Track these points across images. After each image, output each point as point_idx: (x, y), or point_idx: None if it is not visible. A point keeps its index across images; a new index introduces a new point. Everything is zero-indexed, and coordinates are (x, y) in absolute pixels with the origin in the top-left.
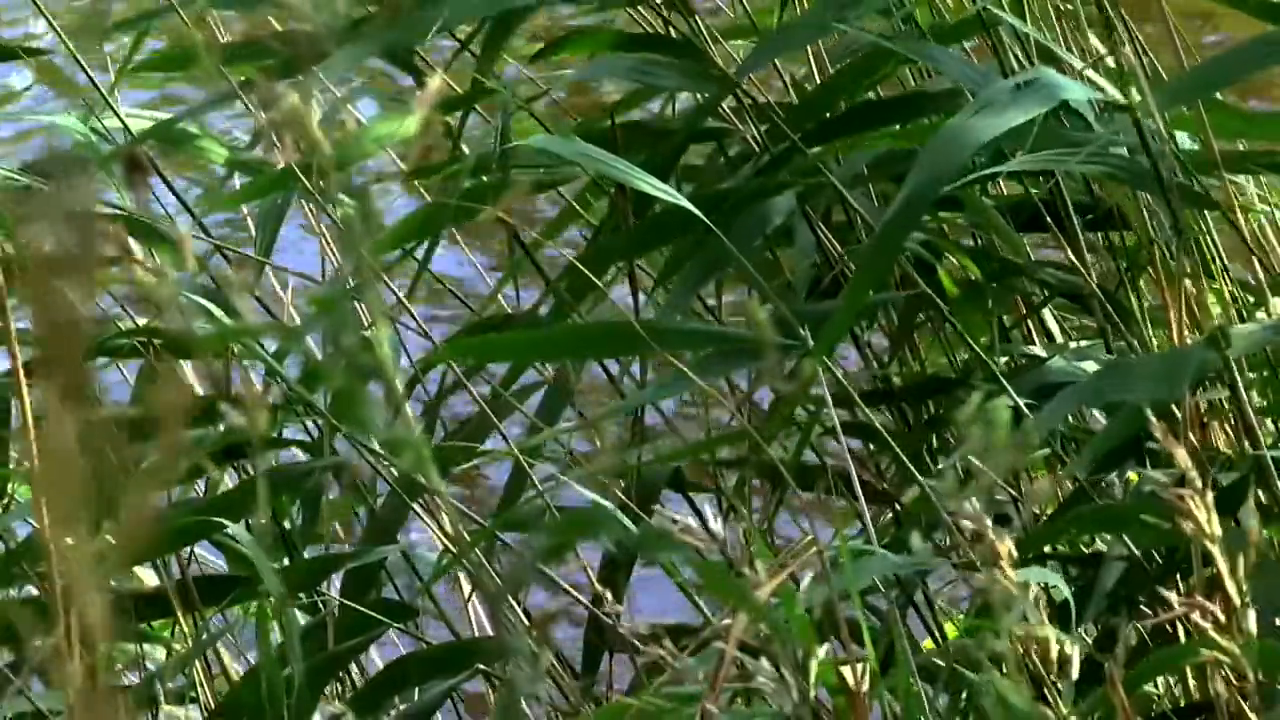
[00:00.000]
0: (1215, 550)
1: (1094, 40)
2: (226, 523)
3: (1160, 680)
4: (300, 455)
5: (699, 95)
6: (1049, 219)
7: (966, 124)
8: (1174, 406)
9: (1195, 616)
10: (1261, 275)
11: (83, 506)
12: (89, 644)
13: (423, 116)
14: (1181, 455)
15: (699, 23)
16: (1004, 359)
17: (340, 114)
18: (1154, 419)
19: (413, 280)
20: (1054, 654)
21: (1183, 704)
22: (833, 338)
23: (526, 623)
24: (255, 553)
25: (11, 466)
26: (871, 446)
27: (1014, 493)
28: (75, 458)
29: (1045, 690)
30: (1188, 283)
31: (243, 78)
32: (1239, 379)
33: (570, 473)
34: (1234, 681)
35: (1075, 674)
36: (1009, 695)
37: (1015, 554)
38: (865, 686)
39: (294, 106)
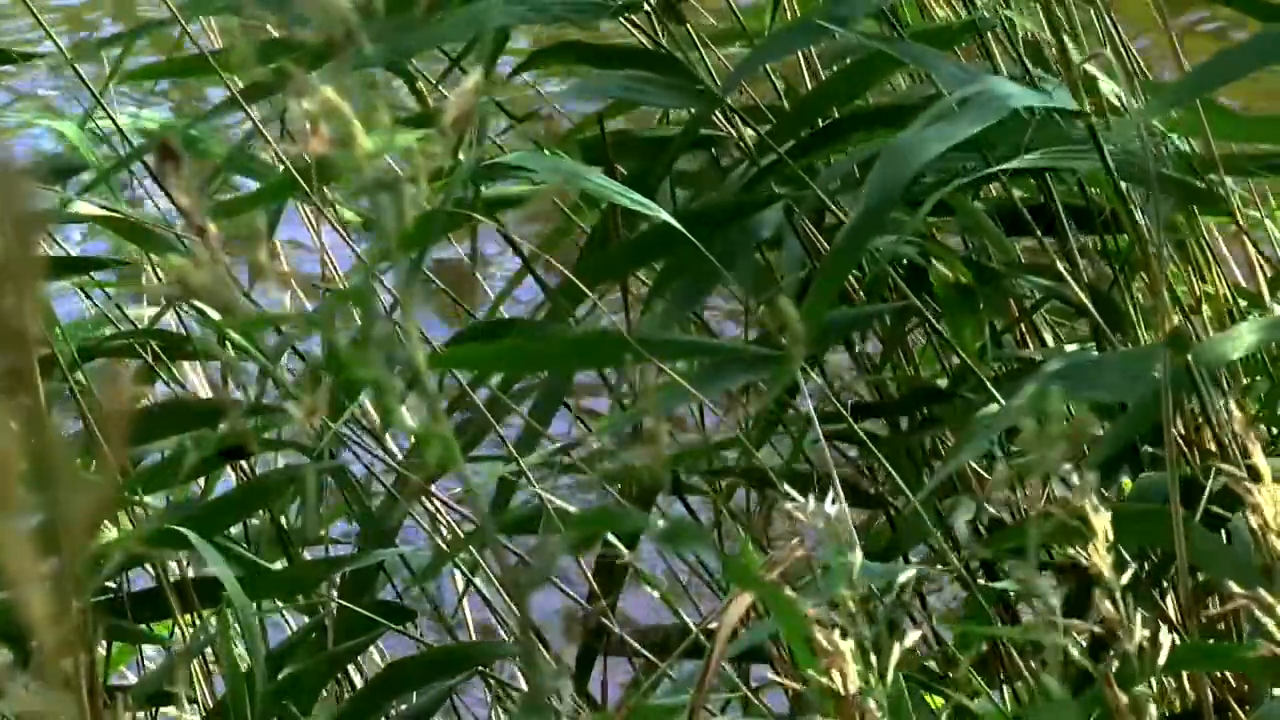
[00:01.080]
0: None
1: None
2: (189, 534)
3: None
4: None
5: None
6: (1040, 222)
7: (916, 138)
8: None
9: (1257, 611)
10: (1262, 279)
11: (21, 511)
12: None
13: (452, 120)
14: (1256, 448)
15: (690, 31)
16: (996, 364)
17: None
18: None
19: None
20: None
21: (1177, 709)
22: (799, 353)
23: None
24: (218, 563)
25: None
26: (863, 453)
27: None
28: (14, 462)
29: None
30: (1180, 284)
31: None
32: (1202, 381)
33: (566, 475)
34: (1234, 684)
35: (1162, 659)
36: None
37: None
38: (854, 690)
39: (329, 98)
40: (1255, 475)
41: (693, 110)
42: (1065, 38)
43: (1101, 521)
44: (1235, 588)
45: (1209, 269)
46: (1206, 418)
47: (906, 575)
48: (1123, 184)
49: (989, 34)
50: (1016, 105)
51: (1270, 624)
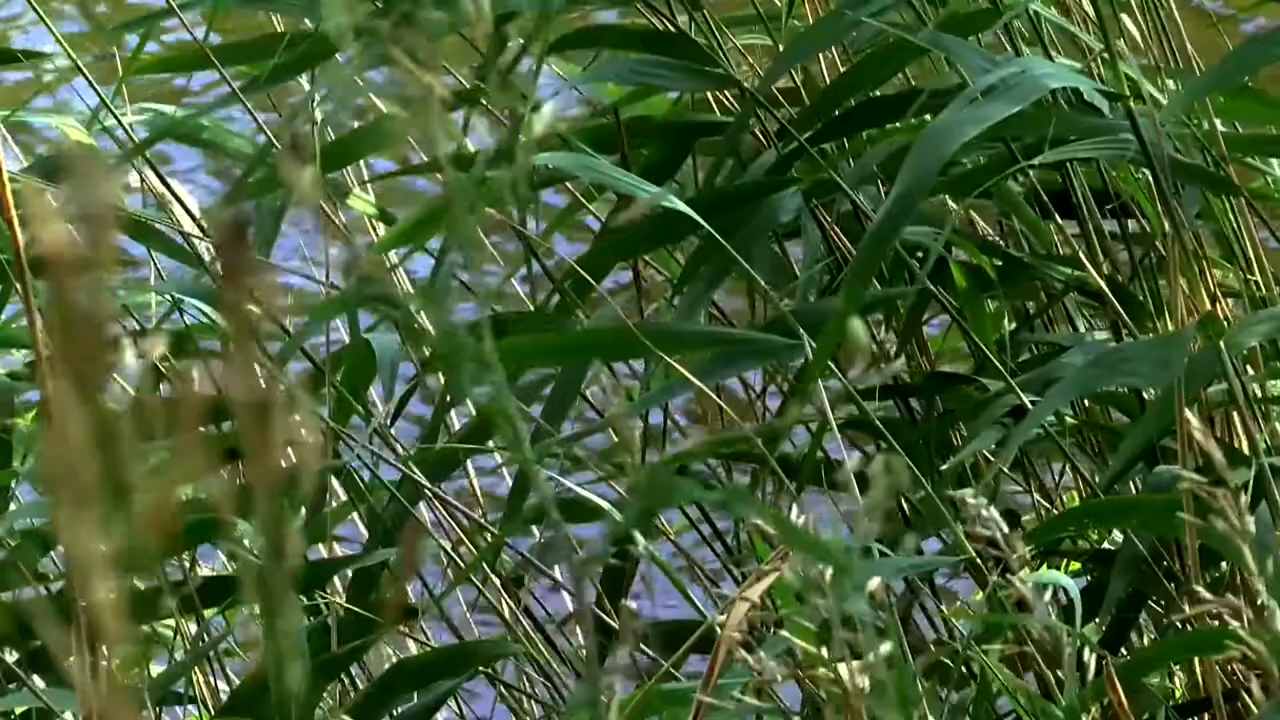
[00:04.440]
0: (1245, 549)
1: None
2: (239, 520)
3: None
4: None
5: (711, 95)
6: (1061, 209)
7: (952, 121)
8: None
9: (1225, 613)
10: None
11: (93, 501)
12: (98, 641)
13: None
14: (1217, 453)
15: (708, 17)
16: (1025, 347)
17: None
18: (1192, 418)
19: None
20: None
21: (1178, 699)
22: (833, 342)
23: (529, 624)
24: (266, 550)
25: (15, 467)
26: (880, 445)
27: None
28: (86, 452)
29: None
30: (1199, 272)
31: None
32: (1231, 367)
33: (575, 472)
34: (1242, 679)
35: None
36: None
37: (1028, 558)
38: (864, 686)
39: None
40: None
41: (708, 94)
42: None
43: (1020, 550)
44: (1205, 593)
45: (1244, 255)
46: (1232, 405)
47: (916, 570)
48: (1150, 172)
49: (1013, 22)
50: (1054, 86)
51: (1237, 625)
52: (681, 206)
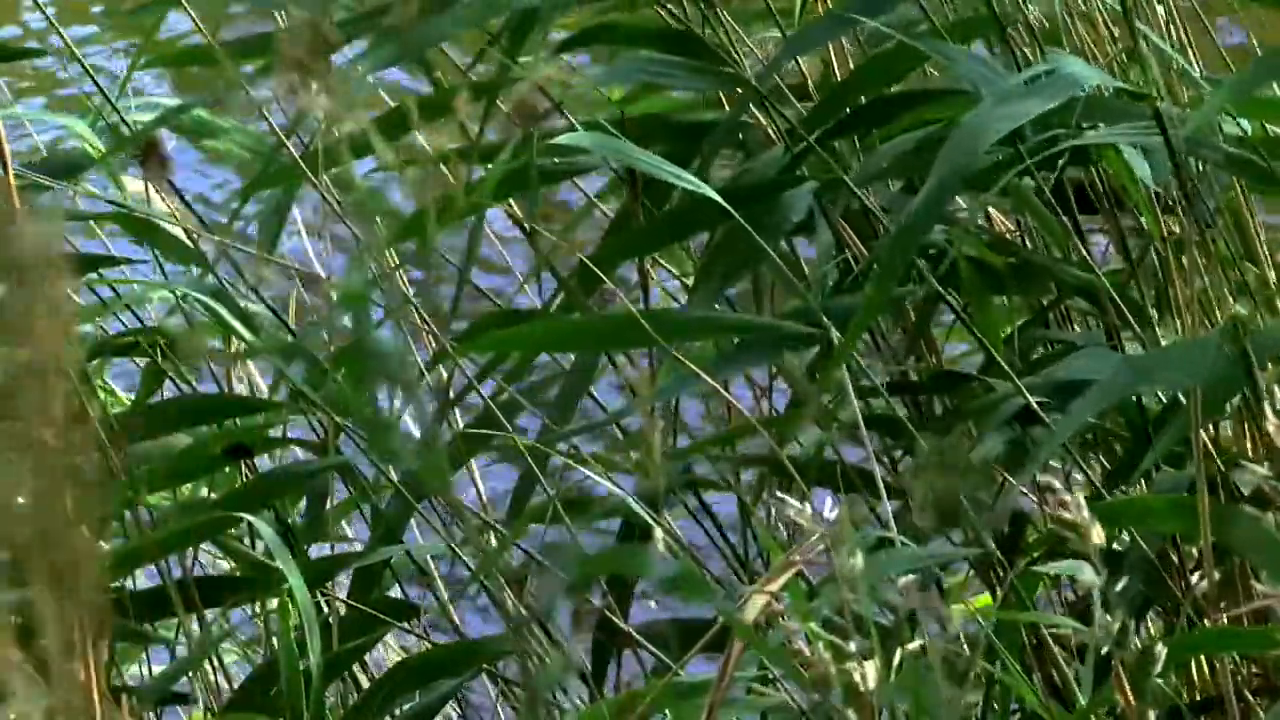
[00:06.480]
0: None
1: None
2: (245, 516)
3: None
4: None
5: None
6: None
7: (986, 116)
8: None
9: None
10: None
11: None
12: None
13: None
14: None
15: (719, 12)
16: (1038, 344)
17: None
18: (1270, 415)
19: (455, 296)
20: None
21: (1186, 699)
22: (857, 333)
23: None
24: (276, 544)
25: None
26: (888, 441)
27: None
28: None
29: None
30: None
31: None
32: (1257, 371)
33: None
34: (1248, 679)
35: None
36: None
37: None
38: (873, 685)
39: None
40: None
41: (718, 93)
42: (1135, 22)
43: (1097, 533)
44: (1261, 585)
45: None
46: (1259, 407)
47: (928, 563)
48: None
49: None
50: (1087, 84)
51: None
52: (710, 193)
